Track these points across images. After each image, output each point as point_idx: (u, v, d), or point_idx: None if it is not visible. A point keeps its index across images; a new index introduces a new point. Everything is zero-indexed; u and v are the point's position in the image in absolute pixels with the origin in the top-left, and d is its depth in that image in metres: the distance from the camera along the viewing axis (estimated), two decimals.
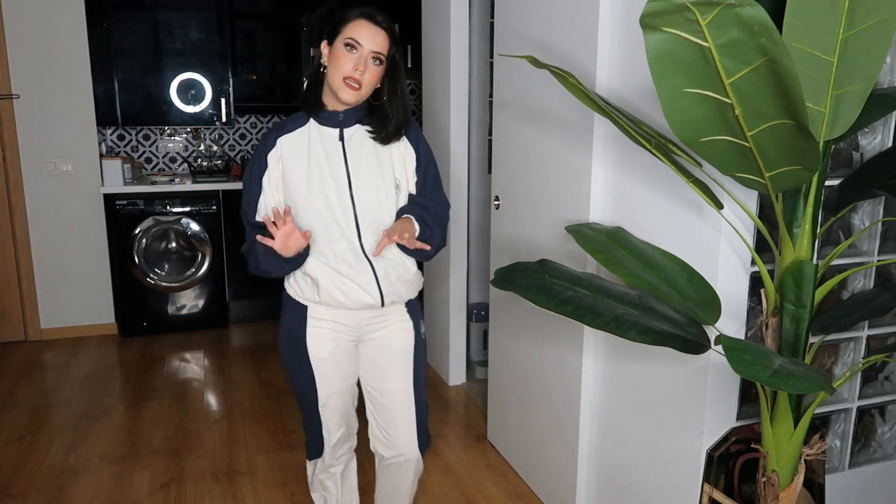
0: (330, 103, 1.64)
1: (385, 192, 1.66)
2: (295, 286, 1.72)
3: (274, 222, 1.53)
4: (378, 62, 1.57)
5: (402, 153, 1.70)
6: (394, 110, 1.65)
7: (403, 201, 1.70)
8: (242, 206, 1.70)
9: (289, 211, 1.55)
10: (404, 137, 1.70)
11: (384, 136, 1.65)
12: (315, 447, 1.85)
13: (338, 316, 1.71)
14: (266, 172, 1.64)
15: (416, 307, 1.83)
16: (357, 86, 1.56)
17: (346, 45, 1.55)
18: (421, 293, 1.88)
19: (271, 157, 1.64)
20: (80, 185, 4.01)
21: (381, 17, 1.58)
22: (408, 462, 1.83)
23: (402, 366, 1.79)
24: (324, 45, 1.61)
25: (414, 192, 1.72)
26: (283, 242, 1.54)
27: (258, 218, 1.67)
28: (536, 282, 1.39)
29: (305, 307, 1.72)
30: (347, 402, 1.83)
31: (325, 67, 1.60)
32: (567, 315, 1.29)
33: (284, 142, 1.64)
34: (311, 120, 1.65)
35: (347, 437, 1.87)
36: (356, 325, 1.74)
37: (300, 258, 1.64)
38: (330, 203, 1.62)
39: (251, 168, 1.67)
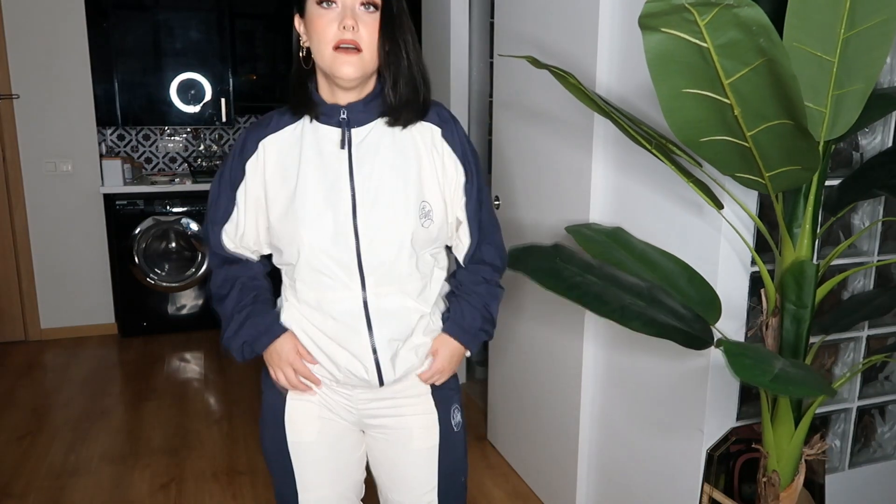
0: (328, 94, 1.20)
1: (404, 220, 1.19)
2: None
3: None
4: (371, 8, 1.13)
5: (440, 164, 1.23)
6: (393, 72, 1.16)
7: (440, 232, 1.24)
8: (206, 225, 1.27)
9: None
10: (444, 142, 1.23)
11: (392, 112, 1.19)
12: None
13: (325, 388, 1.29)
14: (242, 184, 1.22)
15: (451, 386, 1.34)
16: (354, 48, 1.11)
17: (320, 1, 1.12)
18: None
19: (250, 166, 1.22)
20: (80, 185, 4.01)
21: None
22: None
23: (423, 473, 1.33)
24: (296, 21, 1.21)
25: (461, 218, 1.28)
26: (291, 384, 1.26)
27: (227, 244, 1.26)
28: (547, 264, 1.36)
29: None
30: None
31: (306, 51, 1.19)
32: (573, 300, 1.26)
33: (269, 145, 1.22)
34: (306, 116, 1.22)
35: None
36: (351, 403, 1.29)
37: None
38: (323, 235, 1.18)
39: (221, 175, 1.25)
